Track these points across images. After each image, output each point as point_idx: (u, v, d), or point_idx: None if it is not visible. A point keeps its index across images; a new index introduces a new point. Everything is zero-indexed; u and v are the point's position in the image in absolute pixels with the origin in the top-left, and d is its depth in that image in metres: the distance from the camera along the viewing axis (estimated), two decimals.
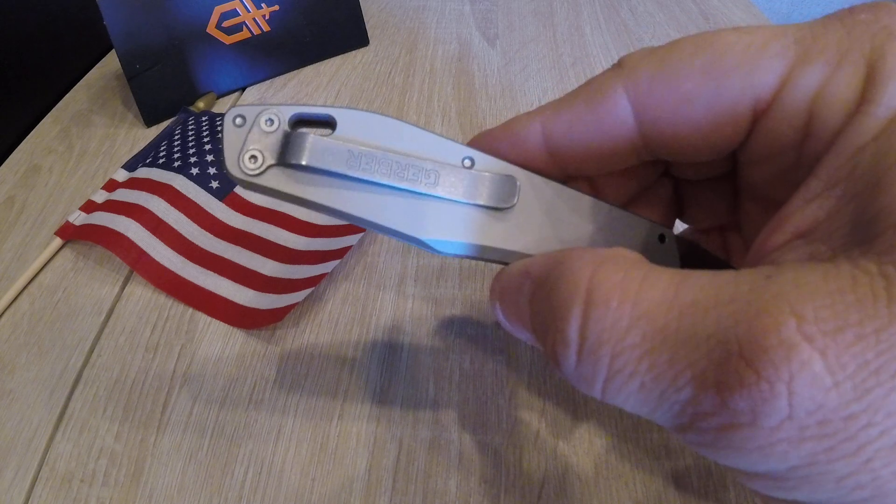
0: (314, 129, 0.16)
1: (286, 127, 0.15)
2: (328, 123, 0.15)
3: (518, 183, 0.16)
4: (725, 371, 0.11)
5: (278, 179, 0.15)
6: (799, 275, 0.11)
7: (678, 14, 0.57)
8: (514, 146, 0.17)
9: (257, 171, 0.15)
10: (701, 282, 0.12)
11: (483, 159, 0.16)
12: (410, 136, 0.16)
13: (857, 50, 0.12)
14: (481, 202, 0.16)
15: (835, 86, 0.13)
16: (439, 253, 0.16)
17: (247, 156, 0.15)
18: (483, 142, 0.17)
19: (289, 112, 0.15)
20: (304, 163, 0.15)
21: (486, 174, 0.16)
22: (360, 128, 0.15)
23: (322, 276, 0.31)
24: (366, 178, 0.15)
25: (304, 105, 0.15)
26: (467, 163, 0.16)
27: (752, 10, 0.58)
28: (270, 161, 0.15)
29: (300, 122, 0.15)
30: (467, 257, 0.17)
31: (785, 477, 0.11)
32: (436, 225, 0.16)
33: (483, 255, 0.16)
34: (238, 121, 0.15)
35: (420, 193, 0.15)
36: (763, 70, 0.13)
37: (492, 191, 0.16)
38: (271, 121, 0.15)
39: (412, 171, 0.15)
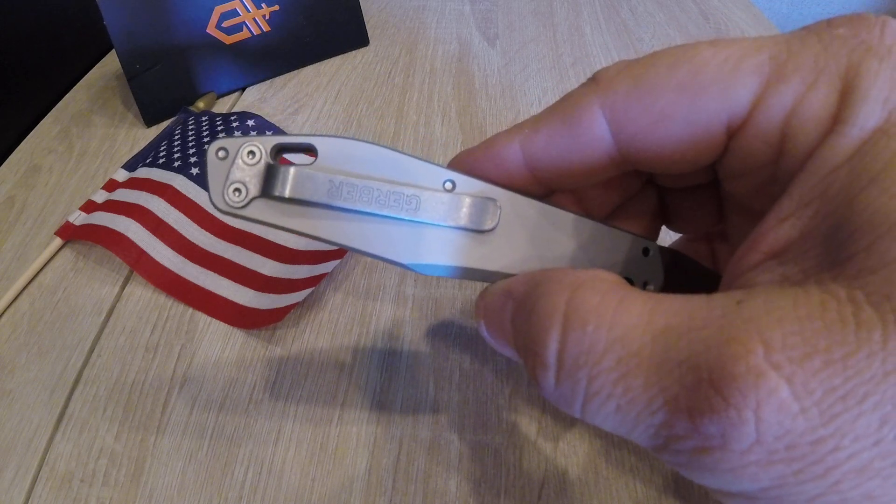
0: (298, 154, 0.16)
1: (268, 158, 0.15)
2: (310, 151, 0.16)
3: (499, 204, 0.16)
4: (696, 397, 0.11)
5: (263, 211, 0.15)
6: (769, 300, 0.11)
7: (678, 14, 0.57)
8: (494, 166, 0.17)
9: (242, 204, 0.15)
10: (674, 306, 0.12)
11: (464, 181, 0.16)
12: (391, 161, 0.16)
13: (833, 67, 0.12)
14: (462, 225, 0.16)
15: (809, 105, 0.13)
16: (424, 274, 0.16)
17: (231, 188, 0.15)
18: (464, 163, 0.17)
19: (270, 143, 0.15)
20: (286, 195, 0.15)
21: (467, 198, 0.16)
22: (341, 155, 0.16)
23: (322, 276, 0.31)
24: (348, 206, 0.15)
25: (284, 135, 0.16)
26: (448, 185, 0.16)
27: (753, 11, 0.58)
28: (254, 193, 0.15)
29: (283, 150, 0.16)
30: (452, 277, 0.17)
31: (758, 496, 0.11)
32: (418, 249, 0.16)
33: (467, 276, 0.17)
34: (221, 153, 0.15)
35: (401, 219, 0.16)
36: (737, 88, 0.13)
37: (472, 214, 0.16)
38: (253, 153, 0.15)
39: (393, 198, 0.15)
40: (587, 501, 0.24)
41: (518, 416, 0.26)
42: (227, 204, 0.15)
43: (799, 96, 0.13)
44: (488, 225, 0.16)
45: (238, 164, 0.15)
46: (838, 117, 0.12)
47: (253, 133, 0.40)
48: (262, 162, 0.15)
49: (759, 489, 0.11)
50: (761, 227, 0.13)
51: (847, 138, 0.12)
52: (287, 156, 0.16)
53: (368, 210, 0.15)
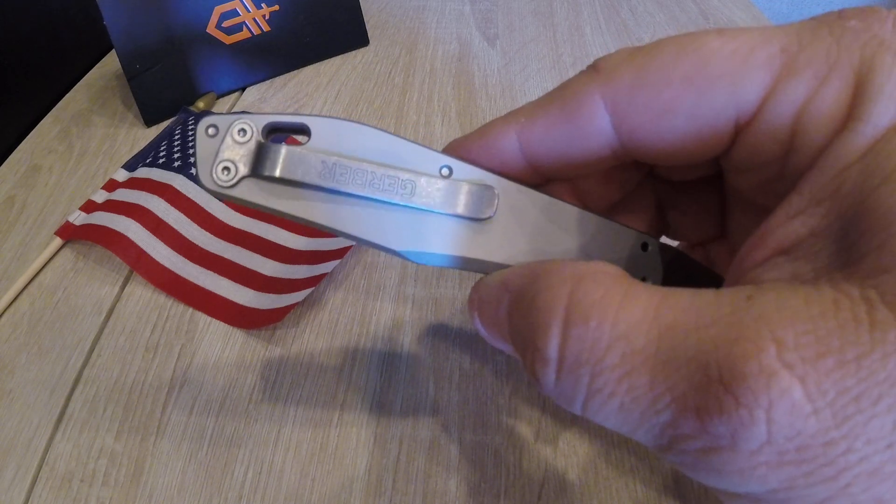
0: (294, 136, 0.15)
1: (259, 137, 0.15)
2: (303, 131, 0.15)
3: (496, 192, 0.16)
4: (705, 396, 0.11)
5: (252, 191, 0.15)
6: (780, 297, 0.11)
7: (678, 14, 0.57)
8: (489, 154, 0.16)
9: (230, 183, 0.15)
10: (681, 302, 0.12)
11: (461, 168, 0.16)
12: (387, 145, 0.15)
13: (846, 61, 0.12)
14: (458, 212, 0.16)
15: (821, 101, 0.12)
16: (417, 263, 0.16)
17: (220, 167, 0.15)
18: (459, 149, 0.17)
19: (262, 121, 0.15)
20: (276, 175, 0.15)
21: (464, 184, 0.16)
22: (335, 136, 0.15)
23: (322, 276, 0.31)
24: (340, 189, 0.15)
25: (277, 114, 0.15)
26: (445, 171, 0.16)
27: (752, 11, 0.58)
28: (244, 172, 0.15)
29: (275, 130, 0.15)
30: (446, 267, 0.16)
31: (765, 499, 0.11)
32: (411, 236, 0.15)
33: (461, 265, 0.16)
34: (211, 131, 0.15)
35: (396, 204, 0.15)
36: (747, 82, 0.13)
37: (469, 201, 0.16)
38: (244, 131, 0.15)
39: (388, 182, 0.15)
40: (587, 502, 0.24)
41: (518, 417, 0.26)
42: (215, 183, 0.15)
43: (811, 91, 0.12)
44: (485, 213, 0.16)
45: (228, 141, 0.15)
46: (851, 114, 0.12)
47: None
48: (253, 140, 0.15)
49: (767, 491, 0.11)
50: (769, 223, 0.13)
51: (860, 135, 0.12)
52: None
53: (361, 193, 0.15)
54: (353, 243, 0.32)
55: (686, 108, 0.14)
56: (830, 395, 0.10)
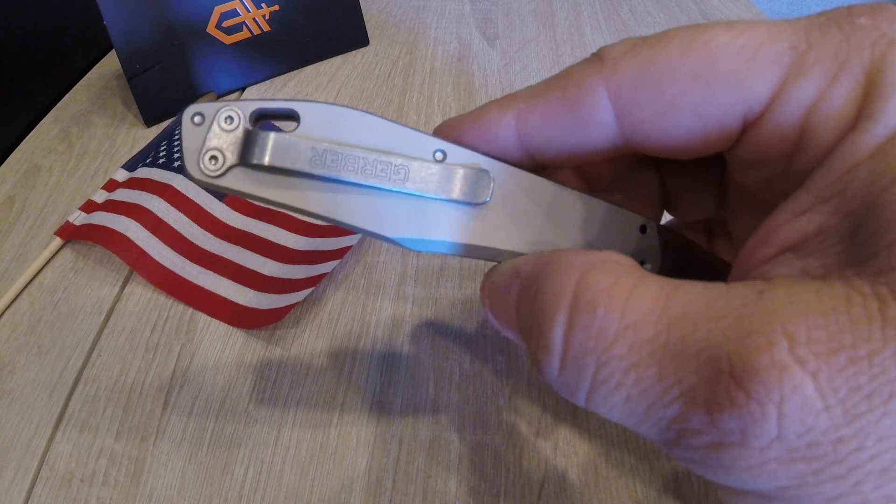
0: (281, 123, 0.15)
1: (247, 124, 0.14)
2: (291, 117, 0.15)
3: (491, 176, 0.15)
4: (715, 390, 0.11)
5: (240, 180, 0.14)
6: (792, 292, 0.11)
7: (678, 14, 0.57)
8: (484, 139, 0.16)
9: (218, 173, 0.14)
10: (692, 293, 0.12)
11: (456, 151, 0.15)
12: (378, 129, 0.15)
13: (856, 60, 0.12)
14: (453, 197, 0.15)
15: (830, 100, 0.12)
16: (413, 250, 0.16)
17: (207, 156, 0.14)
18: (453, 131, 0.16)
19: (249, 108, 0.15)
20: (265, 163, 0.14)
21: (458, 168, 0.15)
22: (324, 122, 0.15)
23: (322, 276, 0.31)
24: (331, 176, 0.14)
25: (265, 100, 0.15)
26: (439, 155, 0.15)
27: (752, 10, 0.58)
28: (232, 161, 0.14)
29: (262, 117, 0.15)
30: (443, 254, 0.16)
31: (773, 496, 0.11)
32: (406, 222, 0.15)
33: (457, 251, 0.16)
34: (196, 119, 0.14)
35: (389, 190, 0.15)
36: (756, 80, 0.13)
37: (464, 185, 0.15)
38: (231, 118, 0.14)
39: (380, 167, 0.15)
40: (587, 501, 0.24)
41: (518, 416, 0.26)
42: (203, 172, 0.14)
43: (820, 91, 0.12)
44: (481, 198, 0.15)
45: (215, 130, 0.14)
46: (862, 113, 0.12)
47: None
48: (241, 128, 0.14)
49: (776, 488, 0.11)
50: (774, 220, 0.13)
51: (870, 135, 0.11)
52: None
53: (353, 180, 0.15)
54: (353, 243, 0.32)
55: (692, 105, 0.14)
56: (842, 392, 0.10)
